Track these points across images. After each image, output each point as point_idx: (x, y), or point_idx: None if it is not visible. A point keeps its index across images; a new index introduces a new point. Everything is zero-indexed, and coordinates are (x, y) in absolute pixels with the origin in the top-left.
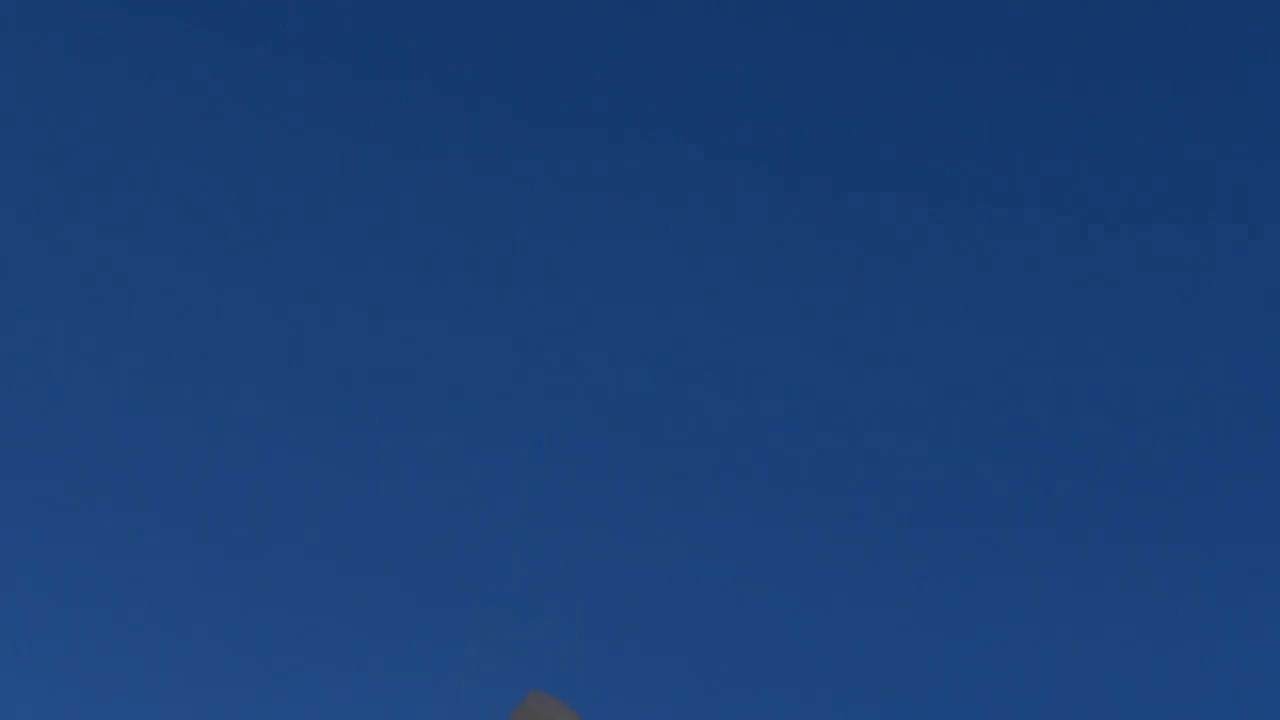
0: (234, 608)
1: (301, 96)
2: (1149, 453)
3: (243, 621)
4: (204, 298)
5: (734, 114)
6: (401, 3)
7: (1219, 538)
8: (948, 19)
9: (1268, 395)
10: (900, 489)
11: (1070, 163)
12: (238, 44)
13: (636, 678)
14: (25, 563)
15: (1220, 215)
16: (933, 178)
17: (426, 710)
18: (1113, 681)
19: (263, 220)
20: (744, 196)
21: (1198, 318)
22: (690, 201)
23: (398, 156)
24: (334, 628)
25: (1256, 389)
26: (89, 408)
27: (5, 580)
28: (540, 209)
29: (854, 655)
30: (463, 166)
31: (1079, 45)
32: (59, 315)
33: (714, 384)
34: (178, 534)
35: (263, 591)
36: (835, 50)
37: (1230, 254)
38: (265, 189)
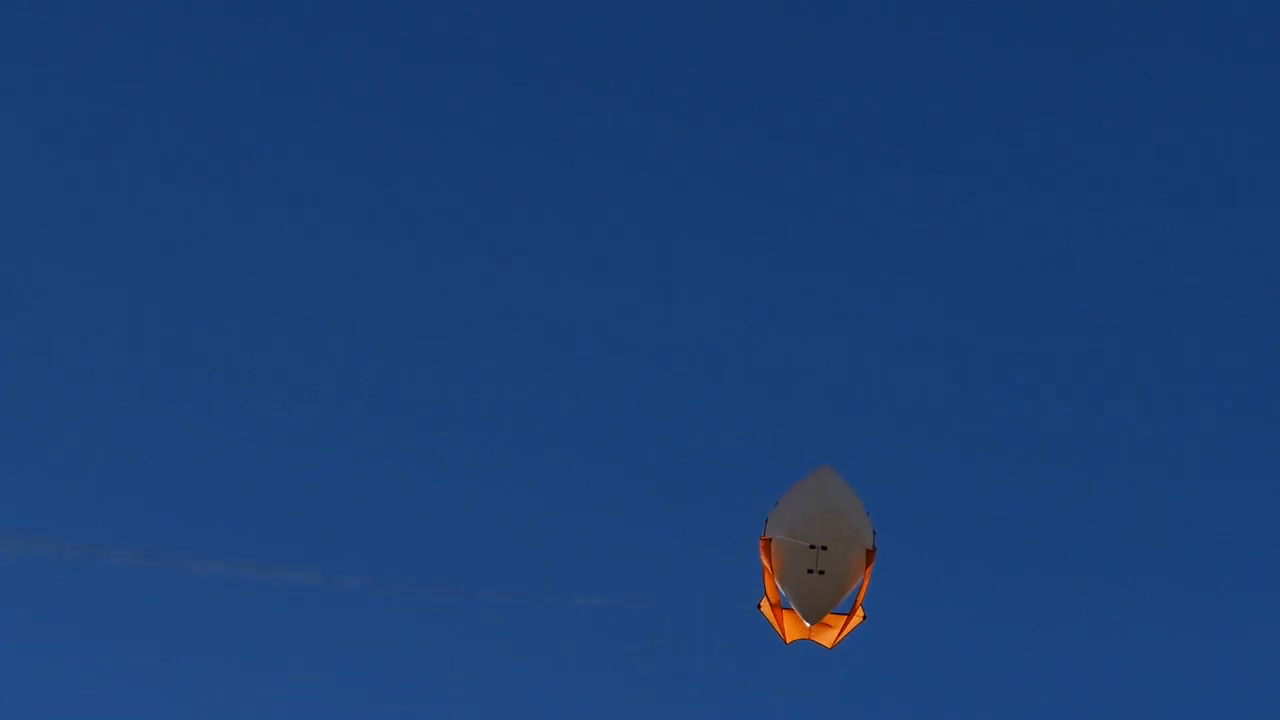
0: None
1: (339, 102)
2: (1152, 450)
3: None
4: (221, 291)
5: (741, 117)
6: None
7: (1222, 536)
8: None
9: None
10: (913, 486)
11: (1075, 162)
12: (267, 38)
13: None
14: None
15: (1226, 219)
16: (932, 175)
17: None
18: (1116, 678)
19: (292, 219)
20: (754, 200)
21: (1200, 318)
22: (694, 204)
23: (426, 155)
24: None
25: (1261, 389)
26: (122, 397)
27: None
28: (562, 213)
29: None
30: (492, 170)
31: (1105, 42)
32: (76, 309)
33: (739, 382)
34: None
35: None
36: (857, 44)
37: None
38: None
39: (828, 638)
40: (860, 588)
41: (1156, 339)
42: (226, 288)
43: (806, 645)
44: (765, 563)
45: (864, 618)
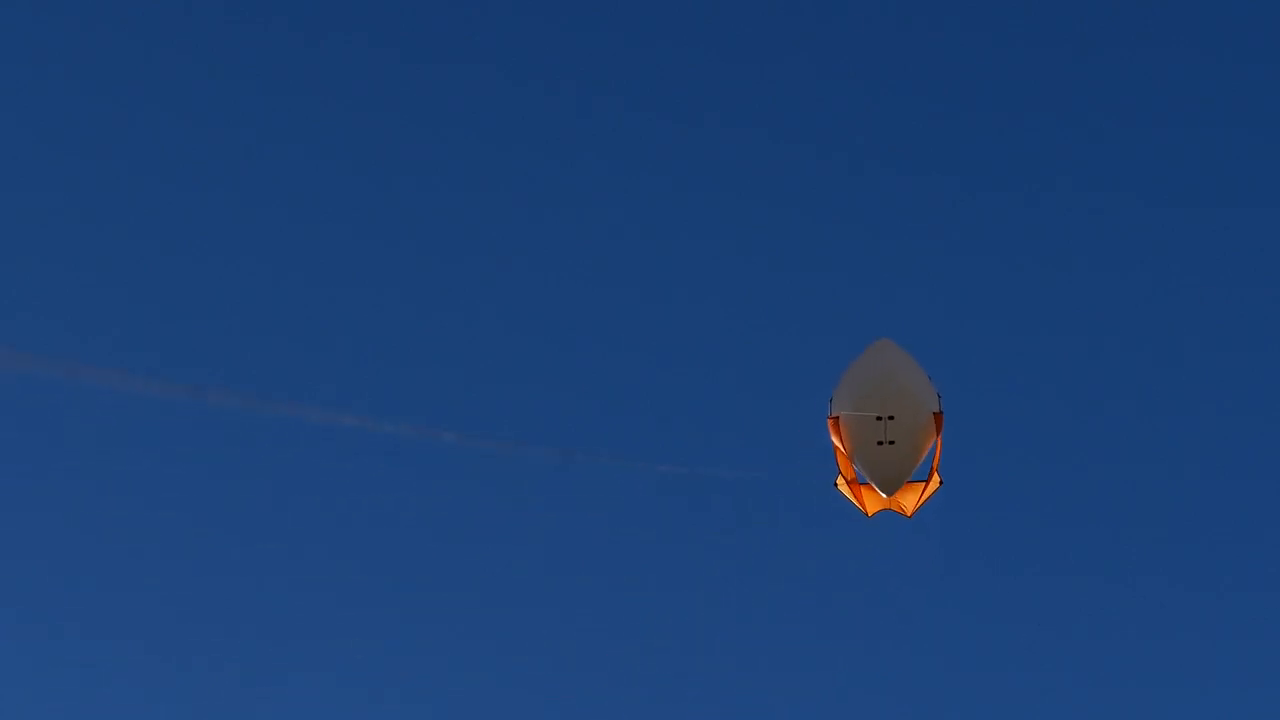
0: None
1: (339, 102)
2: (1152, 450)
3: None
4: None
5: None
6: None
7: (1222, 536)
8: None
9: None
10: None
11: (1079, 164)
12: (270, 35)
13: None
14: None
15: (1226, 219)
16: (932, 175)
17: None
18: (1116, 678)
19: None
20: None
21: (1200, 318)
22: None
23: (424, 153)
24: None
25: (1263, 389)
26: (109, 400)
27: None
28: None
29: (871, 652)
30: (491, 167)
31: (1109, 42)
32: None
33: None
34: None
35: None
36: (863, 41)
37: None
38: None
39: (908, 503)
40: (934, 453)
41: (1156, 339)
42: (226, 288)
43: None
44: (835, 441)
45: (941, 483)
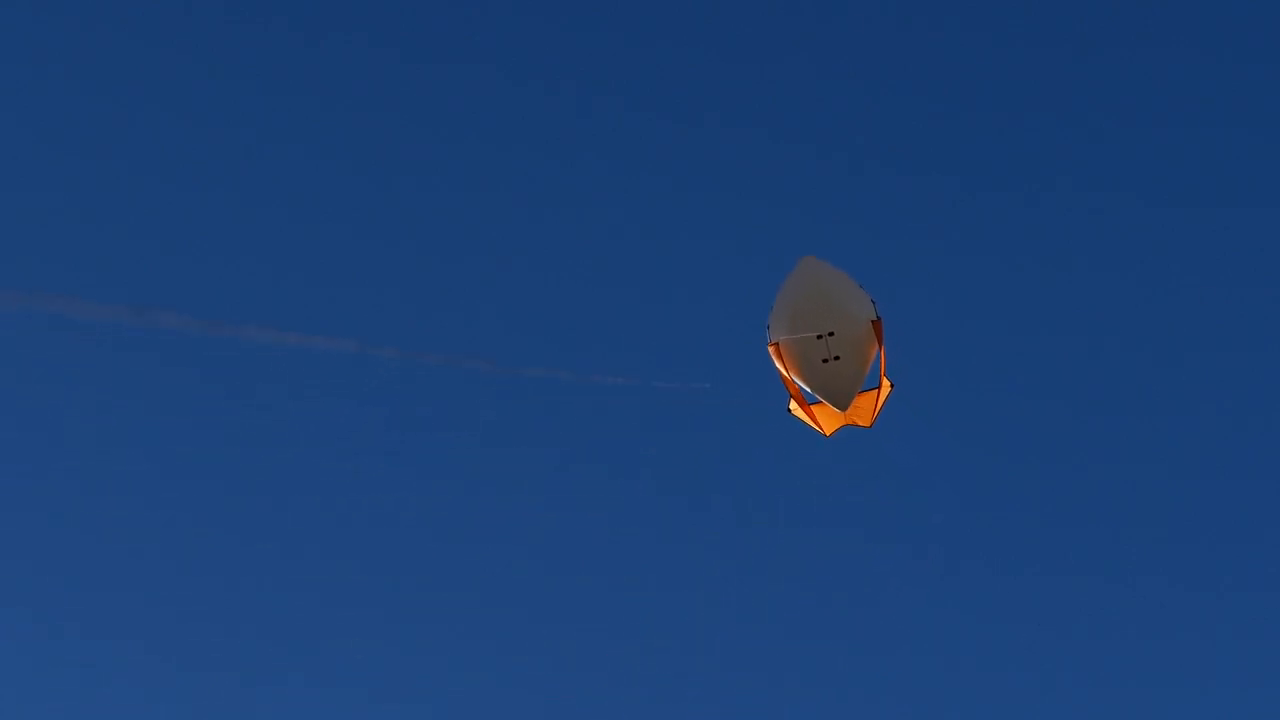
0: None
1: (339, 102)
2: (1152, 450)
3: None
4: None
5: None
6: None
7: (1222, 536)
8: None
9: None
10: (915, 484)
11: (1078, 164)
12: (273, 35)
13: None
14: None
15: (1226, 219)
16: (932, 175)
17: None
18: (1116, 678)
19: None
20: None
21: (1200, 318)
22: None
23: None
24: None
25: (1262, 390)
26: (105, 400)
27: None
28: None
29: (868, 651)
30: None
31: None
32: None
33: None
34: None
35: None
36: (864, 40)
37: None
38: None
39: (865, 418)
40: (880, 360)
41: (1156, 339)
42: (226, 287)
43: (849, 431)
44: (780, 367)
45: (892, 387)
